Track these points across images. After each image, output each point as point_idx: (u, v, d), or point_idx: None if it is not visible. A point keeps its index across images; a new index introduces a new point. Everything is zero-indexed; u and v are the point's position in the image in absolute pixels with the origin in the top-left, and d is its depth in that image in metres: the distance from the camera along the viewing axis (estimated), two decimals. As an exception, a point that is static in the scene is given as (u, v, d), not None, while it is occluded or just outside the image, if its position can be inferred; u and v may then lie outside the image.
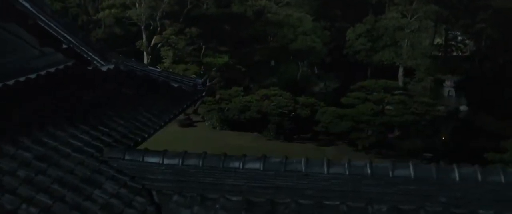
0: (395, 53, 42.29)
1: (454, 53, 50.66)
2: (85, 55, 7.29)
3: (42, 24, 6.21)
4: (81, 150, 5.31)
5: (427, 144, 30.25)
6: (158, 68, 9.15)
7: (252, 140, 32.84)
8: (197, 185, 5.12)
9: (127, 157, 5.31)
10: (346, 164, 4.91)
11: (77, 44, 7.01)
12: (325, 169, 4.91)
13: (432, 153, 29.76)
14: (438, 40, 51.59)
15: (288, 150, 31.31)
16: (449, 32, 49.95)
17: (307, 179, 4.93)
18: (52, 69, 6.84)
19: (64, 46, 6.77)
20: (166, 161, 5.23)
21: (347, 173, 4.87)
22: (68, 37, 6.76)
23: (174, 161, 5.20)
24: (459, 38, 51.24)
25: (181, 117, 35.59)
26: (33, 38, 6.67)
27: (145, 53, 41.33)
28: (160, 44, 39.30)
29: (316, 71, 51.57)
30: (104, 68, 7.69)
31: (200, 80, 9.10)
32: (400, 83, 42.32)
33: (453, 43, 51.47)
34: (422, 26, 41.61)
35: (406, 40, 41.89)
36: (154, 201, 5.01)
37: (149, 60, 41.95)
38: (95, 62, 7.58)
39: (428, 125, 29.85)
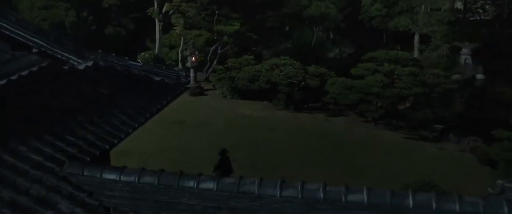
0: (411, 19, 41.19)
1: (472, 18, 48.94)
2: (59, 56, 7.25)
3: (8, 32, 6.15)
4: (41, 165, 5.35)
5: (439, 115, 29.81)
6: (139, 62, 9.05)
7: (262, 109, 32.83)
8: (152, 203, 5.16)
9: (86, 173, 5.32)
10: (299, 187, 4.86)
11: (49, 46, 6.96)
12: (278, 192, 4.87)
13: (443, 125, 29.33)
14: (458, 3, 49.75)
15: (297, 119, 31.27)
16: (469, -4, 48.15)
17: (260, 201, 4.91)
18: (25, 72, 6.84)
19: (35, 50, 6.71)
20: (123, 178, 5.24)
21: (300, 196, 4.83)
22: (38, 41, 6.70)
23: (131, 178, 5.22)
24: (480, 2, 49.38)
25: (192, 85, 35.64)
26: (3, 43, 6.63)
27: (156, 20, 41.07)
28: (171, 11, 38.94)
29: (331, 37, 50.65)
30: (81, 67, 7.65)
31: (184, 73, 9.02)
32: (416, 50, 41.33)
33: (473, 7, 49.68)
34: (439, -9, 40.30)
35: (422, 6, 40.68)
36: (109, 219, 5.08)
37: (161, 27, 41.83)
38: (71, 61, 7.54)
39: (440, 97, 29.35)
